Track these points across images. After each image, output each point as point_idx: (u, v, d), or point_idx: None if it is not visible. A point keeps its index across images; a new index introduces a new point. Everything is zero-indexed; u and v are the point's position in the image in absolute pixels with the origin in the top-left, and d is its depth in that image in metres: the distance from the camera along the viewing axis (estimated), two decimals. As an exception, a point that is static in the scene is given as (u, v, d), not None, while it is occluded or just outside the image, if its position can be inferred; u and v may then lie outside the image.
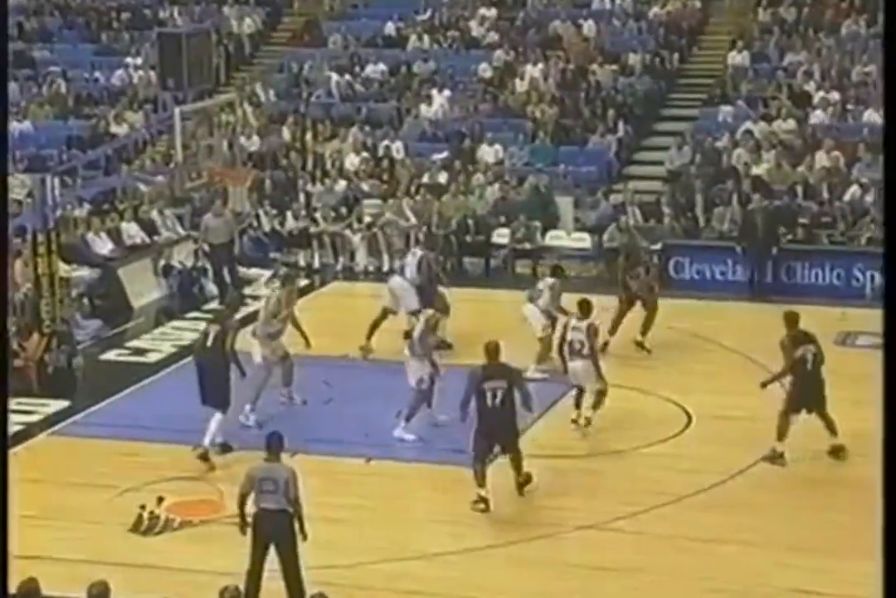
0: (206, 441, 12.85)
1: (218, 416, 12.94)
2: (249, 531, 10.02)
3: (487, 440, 11.82)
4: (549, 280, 15.61)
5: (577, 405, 13.76)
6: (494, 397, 11.68)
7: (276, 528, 9.92)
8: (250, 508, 10.07)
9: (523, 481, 12.02)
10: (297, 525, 9.93)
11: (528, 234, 20.47)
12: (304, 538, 9.97)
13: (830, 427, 12.80)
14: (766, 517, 11.70)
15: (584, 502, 12.05)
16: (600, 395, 13.57)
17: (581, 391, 13.71)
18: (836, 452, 12.85)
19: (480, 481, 11.72)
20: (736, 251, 19.07)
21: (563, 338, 13.87)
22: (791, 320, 12.99)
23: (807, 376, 12.72)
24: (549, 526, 11.55)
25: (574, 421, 13.71)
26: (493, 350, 11.92)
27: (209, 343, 13.10)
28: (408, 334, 14.18)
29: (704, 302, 18.17)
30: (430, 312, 14.14)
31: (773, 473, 12.69)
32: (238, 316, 16.26)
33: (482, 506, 11.64)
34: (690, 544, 11.25)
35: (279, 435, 10.32)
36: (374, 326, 16.03)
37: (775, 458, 12.78)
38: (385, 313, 16.12)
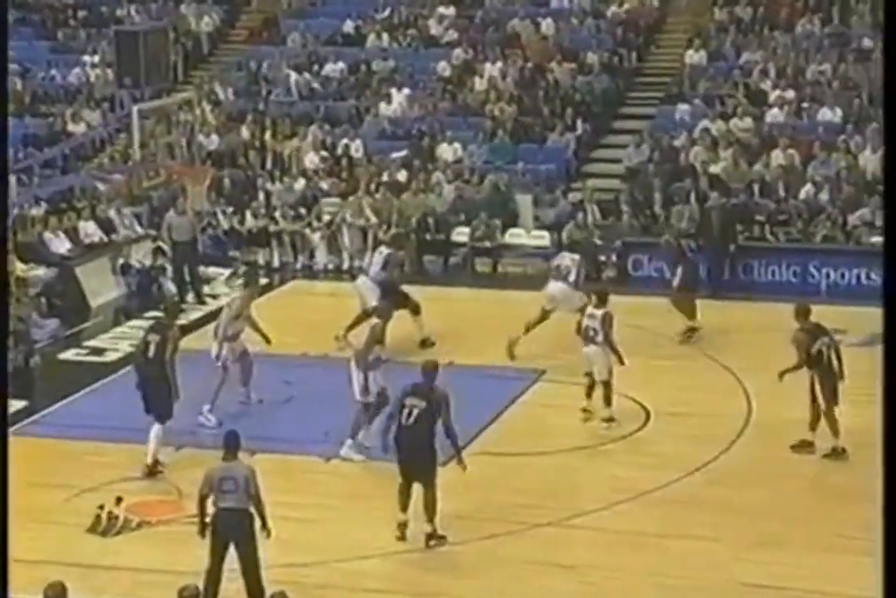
0: (149, 460, 12.55)
1: (156, 427, 12.62)
2: (209, 530, 9.98)
3: (402, 465, 11.12)
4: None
5: (589, 395, 13.92)
6: (409, 414, 11.02)
7: (235, 527, 9.90)
8: (210, 508, 10.03)
9: (431, 533, 11.12)
10: (258, 523, 9.91)
11: (489, 232, 20.50)
12: (268, 534, 9.95)
13: (833, 428, 12.80)
14: (723, 513, 11.78)
15: (542, 499, 12.08)
16: (607, 386, 13.75)
17: (593, 381, 13.83)
18: (837, 453, 12.83)
19: (402, 503, 11.21)
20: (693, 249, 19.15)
21: (579, 324, 14.06)
22: (802, 313, 12.93)
23: (827, 369, 12.72)
24: (508, 524, 11.57)
25: (584, 410, 13.88)
26: (428, 368, 11.31)
27: (150, 354, 12.75)
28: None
29: (663, 300, 18.24)
30: (374, 321, 13.46)
31: (730, 469, 12.77)
32: (194, 316, 16.22)
33: (398, 534, 11.14)
34: (648, 539, 11.31)
35: (236, 434, 10.30)
36: (355, 324, 15.88)
37: (838, 455, 12.83)
38: (365, 313, 15.72)
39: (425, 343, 16.17)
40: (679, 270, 16.91)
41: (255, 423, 13.62)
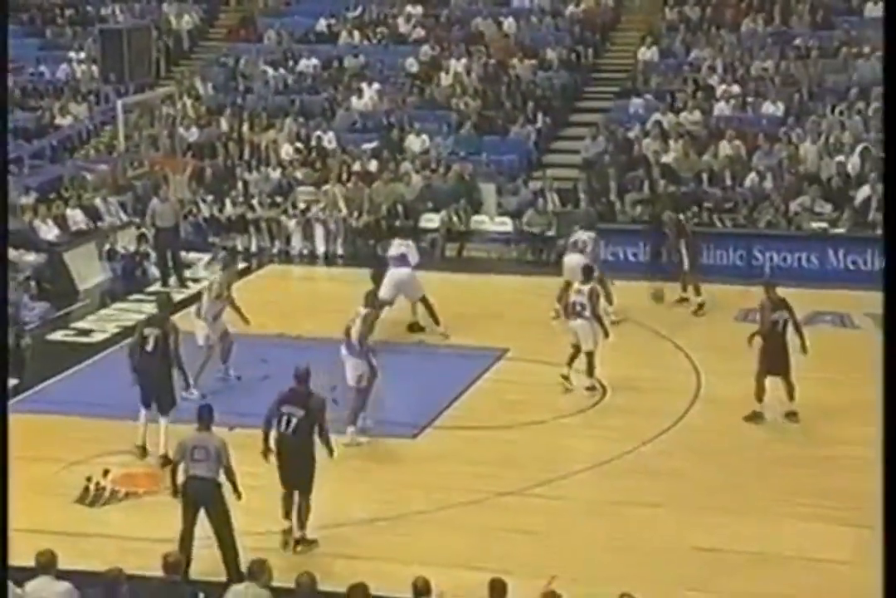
0: (161, 452, 12.11)
1: (163, 422, 12.27)
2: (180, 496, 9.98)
3: (281, 472, 10.51)
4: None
5: (570, 364, 13.99)
6: (288, 423, 10.47)
7: (205, 494, 9.91)
8: (180, 476, 10.05)
9: (300, 538, 10.46)
10: (230, 490, 9.91)
11: (463, 218, 20.48)
12: (239, 497, 9.99)
13: (790, 393, 12.97)
14: (673, 482, 11.82)
15: (504, 470, 12.08)
16: (590, 357, 13.87)
17: (577, 351, 13.93)
18: (791, 416, 13.01)
19: (284, 509, 10.64)
20: (646, 234, 19.21)
21: (566, 300, 14.28)
22: (771, 288, 13.14)
23: (776, 341, 12.85)
24: (473, 493, 11.57)
25: (564, 377, 13.92)
26: (302, 375, 10.78)
27: (149, 348, 12.35)
28: (347, 333, 13.02)
29: (617, 282, 18.26)
30: (366, 311, 13.02)
31: (681, 441, 12.81)
32: (177, 298, 16.03)
33: (281, 540, 10.54)
34: (604, 507, 11.33)
35: (209, 407, 10.29)
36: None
37: (755, 418, 12.99)
38: (381, 304, 15.06)
39: (413, 328, 16.06)
40: (684, 248, 16.99)
41: (233, 399, 13.55)
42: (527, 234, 20.08)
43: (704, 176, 20.71)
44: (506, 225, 20.56)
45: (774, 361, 12.85)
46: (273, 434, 10.59)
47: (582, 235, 16.40)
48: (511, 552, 10.47)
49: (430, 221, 20.72)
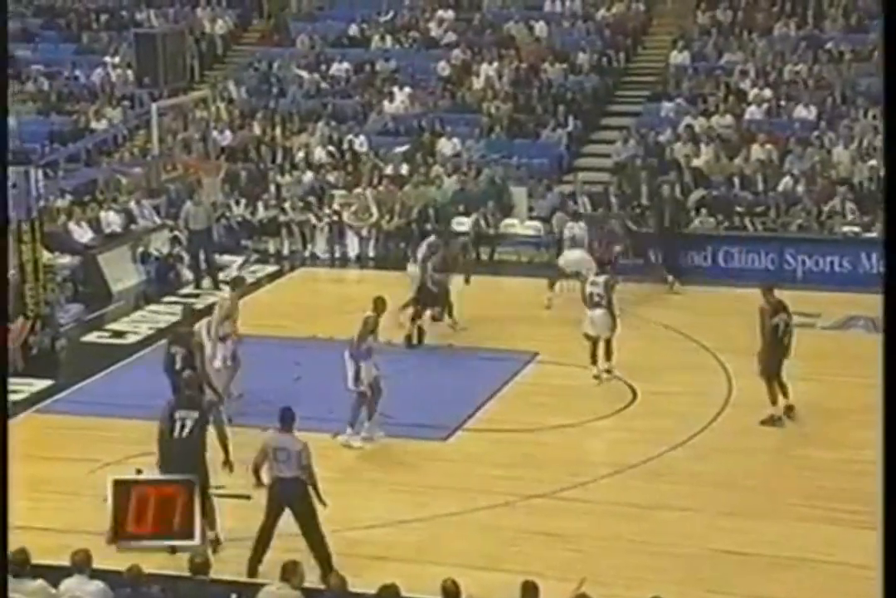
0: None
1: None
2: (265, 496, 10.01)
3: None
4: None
5: (594, 361, 14.24)
6: (182, 427, 10.36)
7: (291, 493, 9.98)
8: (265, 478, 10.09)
9: (214, 539, 10.26)
10: (313, 493, 9.98)
11: (494, 222, 20.53)
12: (323, 504, 10.02)
13: (783, 391, 13.06)
14: (703, 485, 11.81)
15: (534, 473, 12.10)
16: (609, 343, 14.25)
17: (595, 345, 14.18)
18: (789, 411, 13.09)
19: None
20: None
21: (583, 291, 14.62)
22: (768, 290, 13.21)
23: (776, 343, 12.92)
24: (502, 495, 11.60)
25: (596, 377, 14.20)
26: (190, 380, 11.00)
27: (178, 366, 12.44)
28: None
29: (647, 285, 18.27)
30: (367, 314, 13.16)
31: (709, 445, 12.80)
32: (210, 301, 16.00)
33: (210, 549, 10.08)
34: (633, 510, 11.33)
35: (290, 410, 10.29)
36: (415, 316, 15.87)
37: (774, 421, 13.06)
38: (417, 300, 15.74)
39: (435, 318, 16.11)
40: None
41: (266, 400, 13.61)
42: (557, 237, 20.07)
43: (736, 180, 20.67)
44: (536, 229, 20.58)
45: (776, 363, 12.95)
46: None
47: (576, 229, 16.95)
48: (540, 554, 10.49)
49: (461, 224, 20.76)
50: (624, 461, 12.29)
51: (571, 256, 16.91)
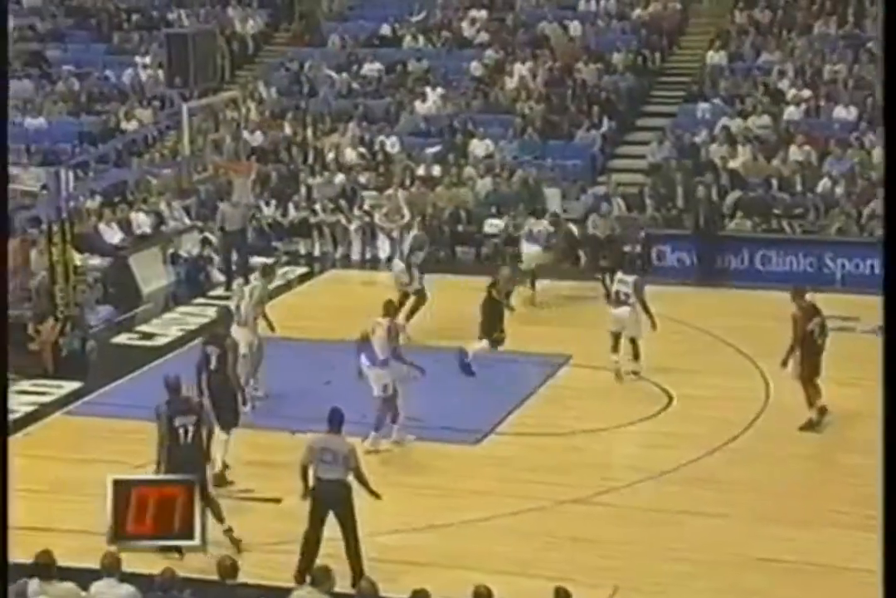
0: (217, 468, 11.80)
1: (223, 437, 12.03)
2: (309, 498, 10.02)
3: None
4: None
5: (615, 350, 14.49)
6: (186, 433, 10.52)
7: (335, 497, 9.96)
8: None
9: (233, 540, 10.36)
10: (363, 492, 10.01)
11: (521, 223, 20.47)
12: (377, 497, 10.08)
13: (817, 394, 13.04)
14: (738, 491, 11.74)
15: (567, 477, 12.07)
16: (635, 343, 14.42)
17: (617, 341, 14.40)
18: (822, 412, 13.07)
19: None
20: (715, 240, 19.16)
21: (608, 289, 15.18)
22: (800, 294, 13.16)
23: (813, 349, 12.92)
24: (534, 500, 11.57)
25: (627, 373, 14.47)
26: (172, 384, 10.87)
27: (213, 366, 12.31)
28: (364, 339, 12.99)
29: (683, 288, 18.20)
30: (388, 322, 12.97)
31: (745, 450, 12.72)
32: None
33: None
34: (667, 517, 11.28)
35: (339, 411, 10.27)
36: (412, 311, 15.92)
37: (813, 426, 13.05)
38: (405, 296, 15.89)
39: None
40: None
41: (297, 404, 13.66)
42: (591, 239, 20.02)
43: (773, 181, 20.56)
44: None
45: (814, 367, 12.94)
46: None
47: (539, 226, 17.30)
48: (572, 560, 10.46)
49: (494, 226, 20.74)
50: (658, 467, 12.24)
51: (530, 251, 17.51)
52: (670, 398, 14.01)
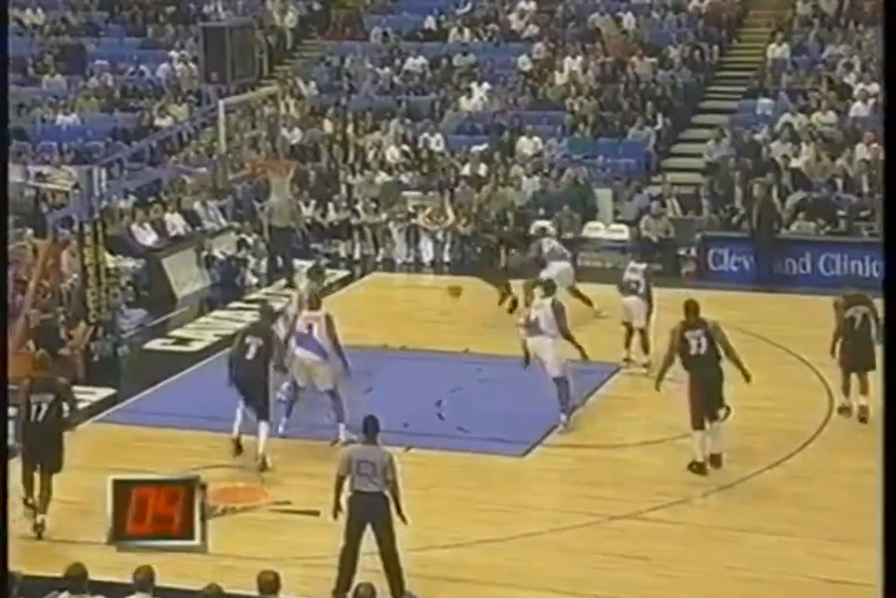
0: (261, 450, 12.55)
1: (263, 426, 12.62)
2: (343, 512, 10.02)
3: (30, 464, 11.16)
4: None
5: (627, 345, 14.96)
6: (38, 410, 11.09)
7: (372, 509, 9.95)
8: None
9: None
10: (394, 509, 9.96)
11: (570, 225, 20.47)
12: (404, 520, 9.98)
13: (864, 389, 13.16)
14: (802, 508, 11.65)
15: (619, 492, 12.03)
16: (644, 334, 14.83)
17: (630, 331, 14.89)
18: (863, 413, 13.17)
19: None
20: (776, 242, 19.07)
21: (620, 279, 15.27)
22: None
23: (854, 336, 13.11)
24: (585, 515, 11.54)
25: (626, 360, 15.03)
26: (38, 362, 11.56)
27: (250, 356, 12.60)
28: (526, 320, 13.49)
29: (742, 294, 18.10)
30: (552, 299, 13.54)
31: (808, 464, 12.62)
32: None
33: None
34: (725, 533, 11.22)
35: (375, 419, 10.26)
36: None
37: (843, 410, 13.47)
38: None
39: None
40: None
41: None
42: (643, 241, 19.98)
43: (838, 181, 20.41)
44: (622, 233, 20.50)
45: (856, 357, 13.11)
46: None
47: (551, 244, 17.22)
48: (624, 578, 10.43)
49: (542, 228, 20.69)
50: (716, 481, 12.17)
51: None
52: (728, 409, 13.90)
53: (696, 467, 12.27)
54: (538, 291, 13.96)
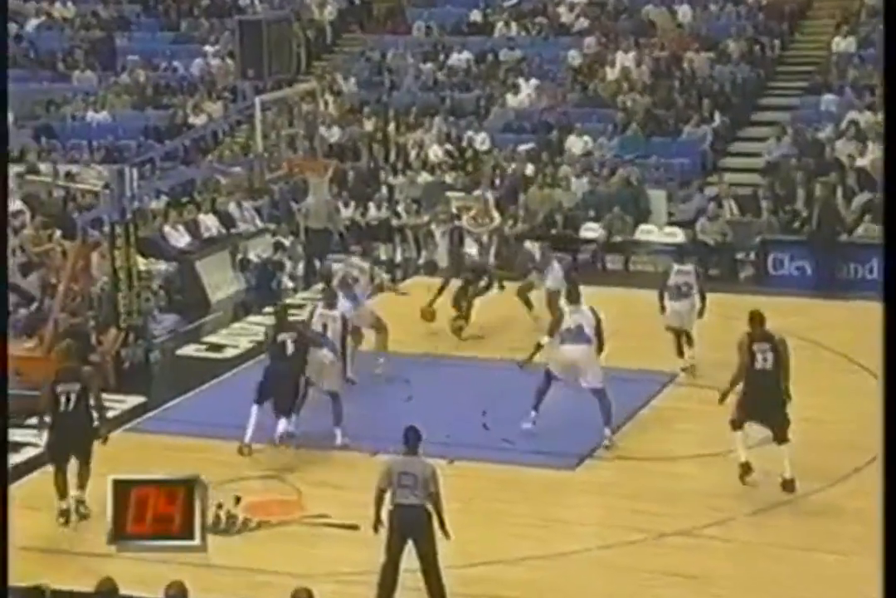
0: (278, 434, 13.11)
1: (283, 422, 13.18)
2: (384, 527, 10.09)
3: (61, 462, 11.82)
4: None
5: (681, 353, 15.07)
6: (68, 400, 11.71)
7: (415, 524, 9.99)
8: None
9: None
10: (436, 523, 10.01)
11: (622, 227, 20.47)
12: (447, 536, 10.02)
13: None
14: (867, 525, 11.60)
15: (671, 507, 12.03)
16: (689, 337, 15.12)
17: (679, 338, 15.08)
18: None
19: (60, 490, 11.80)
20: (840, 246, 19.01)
21: (664, 283, 15.24)
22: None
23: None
24: (635, 531, 11.56)
25: (684, 369, 15.18)
26: (63, 352, 12.25)
27: (289, 352, 13.19)
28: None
29: (803, 300, 18.05)
30: (588, 306, 13.86)
31: (872, 480, 12.55)
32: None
33: (62, 520, 11.70)
34: (782, 552, 11.20)
35: (416, 430, 10.36)
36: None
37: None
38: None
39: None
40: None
41: (374, 422, 13.79)
42: (699, 245, 19.96)
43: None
44: (676, 236, 20.49)
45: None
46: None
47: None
48: (674, 597, 10.43)
49: (591, 230, 20.76)
50: (772, 497, 12.15)
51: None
52: (788, 421, 13.87)
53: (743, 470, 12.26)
54: (563, 299, 14.17)
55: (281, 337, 13.28)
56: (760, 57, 24.85)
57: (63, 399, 11.69)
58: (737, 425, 12.30)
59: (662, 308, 15.30)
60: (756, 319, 12.36)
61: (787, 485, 12.10)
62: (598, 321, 13.51)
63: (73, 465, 11.85)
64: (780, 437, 12.18)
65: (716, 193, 20.84)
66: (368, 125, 24.35)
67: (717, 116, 23.14)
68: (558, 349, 13.42)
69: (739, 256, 19.74)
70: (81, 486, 11.78)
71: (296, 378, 13.22)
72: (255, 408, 13.26)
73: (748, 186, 21.38)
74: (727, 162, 22.92)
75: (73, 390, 11.69)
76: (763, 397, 12.17)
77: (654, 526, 11.61)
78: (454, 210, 21.24)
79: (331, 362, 13.43)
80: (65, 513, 11.70)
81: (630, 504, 12.11)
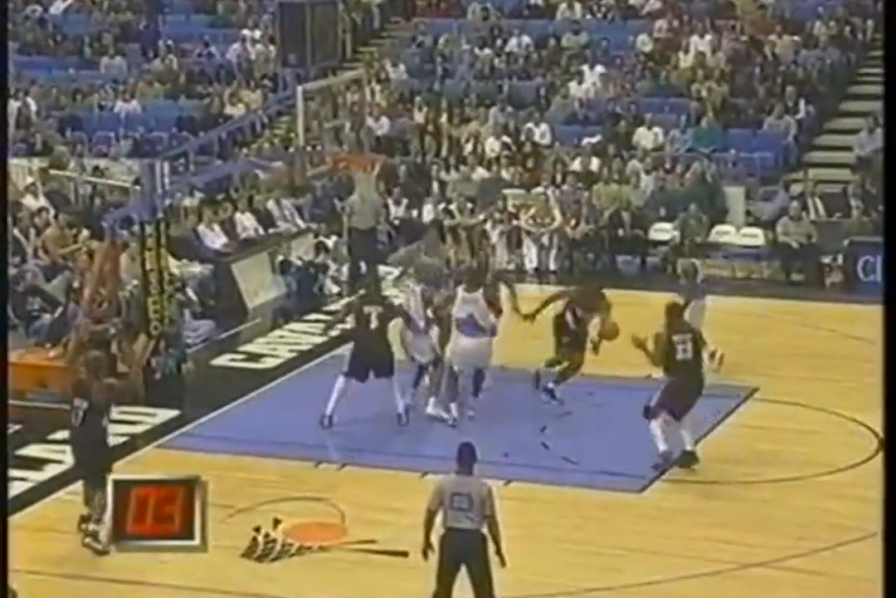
0: (399, 411, 14.21)
1: (399, 400, 14.24)
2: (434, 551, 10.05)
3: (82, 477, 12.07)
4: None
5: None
6: (76, 417, 11.89)
7: (468, 549, 9.94)
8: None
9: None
10: (492, 549, 9.94)
11: (697, 228, 20.39)
12: (502, 562, 9.96)
13: None
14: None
15: (752, 536, 11.95)
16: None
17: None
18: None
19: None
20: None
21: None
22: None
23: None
24: (712, 562, 11.48)
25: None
26: (83, 364, 12.44)
27: (373, 326, 14.21)
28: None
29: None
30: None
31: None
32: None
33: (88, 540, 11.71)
34: (876, 587, 11.06)
35: (471, 446, 10.26)
36: None
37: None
38: None
39: None
40: None
41: (429, 439, 13.79)
42: (781, 248, 19.85)
43: None
44: (756, 237, 20.41)
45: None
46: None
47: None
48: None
49: (663, 231, 20.69)
50: (867, 525, 12.00)
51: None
52: (881, 442, 13.76)
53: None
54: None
55: (366, 309, 14.26)
56: (851, 40, 24.72)
57: (73, 415, 11.83)
58: (654, 413, 13.00)
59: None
60: (673, 310, 13.31)
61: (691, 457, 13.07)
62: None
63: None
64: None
65: (800, 191, 20.74)
66: (419, 117, 24.42)
67: (802, 105, 23.04)
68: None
69: (826, 260, 19.58)
70: (97, 519, 11.55)
71: (386, 344, 14.25)
72: (341, 379, 14.04)
73: (836, 182, 21.28)
74: (813, 156, 22.82)
75: (82, 407, 11.76)
76: (687, 386, 13.03)
77: (734, 557, 11.50)
78: (512, 209, 21.25)
79: (417, 334, 14.50)
80: (85, 519, 11.75)
81: (705, 533, 11.99)
